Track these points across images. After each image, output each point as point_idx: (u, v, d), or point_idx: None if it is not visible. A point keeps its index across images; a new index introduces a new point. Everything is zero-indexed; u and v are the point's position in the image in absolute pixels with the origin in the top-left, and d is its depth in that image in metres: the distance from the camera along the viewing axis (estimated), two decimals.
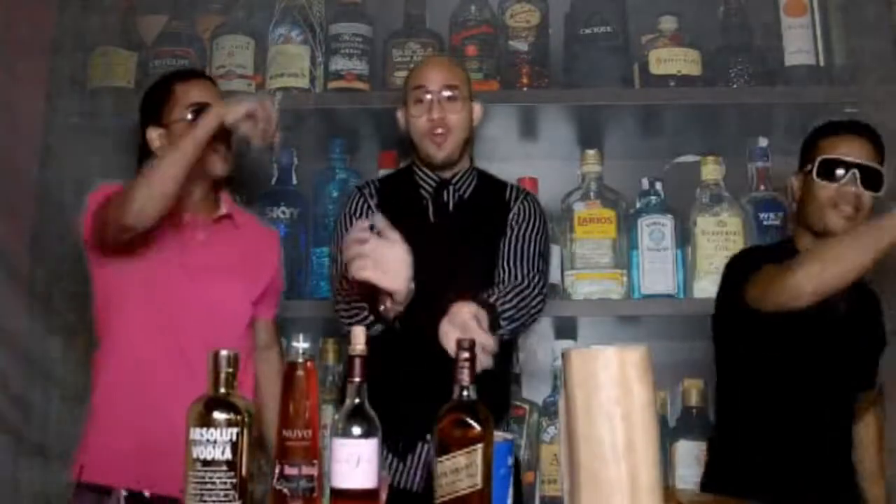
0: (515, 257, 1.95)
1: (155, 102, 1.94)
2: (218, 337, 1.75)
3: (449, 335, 1.62)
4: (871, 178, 1.85)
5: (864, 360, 1.94)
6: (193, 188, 1.91)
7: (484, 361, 1.58)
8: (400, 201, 1.99)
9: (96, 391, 1.88)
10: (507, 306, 1.81)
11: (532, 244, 1.97)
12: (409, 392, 1.74)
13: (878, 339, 1.97)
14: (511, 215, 2.00)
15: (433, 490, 1.29)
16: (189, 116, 1.88)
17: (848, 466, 1.94)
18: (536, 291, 1.90)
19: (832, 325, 1.82)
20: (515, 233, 1.97)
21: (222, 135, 1.84)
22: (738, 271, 1.90)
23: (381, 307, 1.72)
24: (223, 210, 1.98)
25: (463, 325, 1.63)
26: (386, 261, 1.66)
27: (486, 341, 1.61)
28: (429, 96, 1.94)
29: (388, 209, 1.97)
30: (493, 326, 1.71)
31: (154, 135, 1.92)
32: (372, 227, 1.69)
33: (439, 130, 1.94)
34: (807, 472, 1.83)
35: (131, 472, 1.75)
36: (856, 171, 1.84)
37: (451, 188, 2.00)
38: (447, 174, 2.00)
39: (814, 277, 1.65)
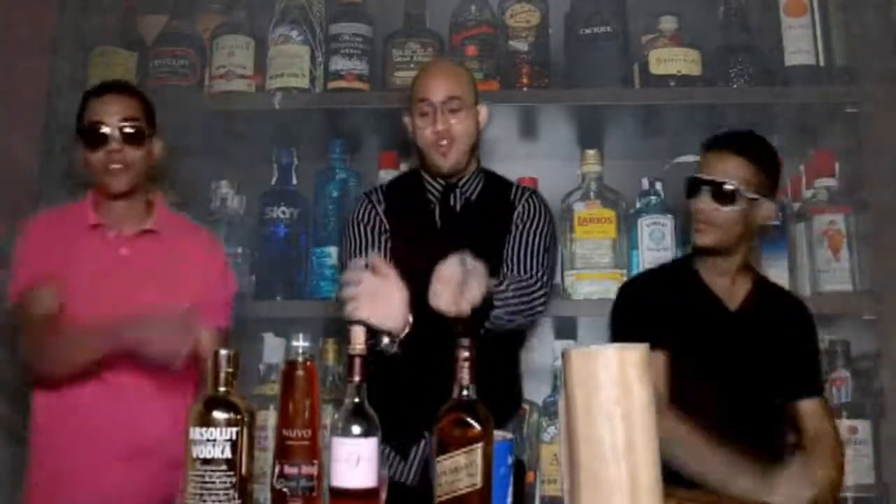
0: (520, 254, 1.96)
1: (77, 116, 1.94)
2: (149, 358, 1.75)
3: (439, 294, 1.65)
4: (721, 194, 1.88)
5: (778, 369, 1.93)
6: (109, 204, 1.91)
7: (462, 306, 1.63)
8: (407, 206, 2.01)
9: (32, 431, 1.90)
10: (507, 294, 1.82)
11: (536, 240, 1.98)
12: (410, 389, 1.75)
13: (798, 351, 1.96)
14: (516, 213, 2.01)
15: (429, 485, 1.29)
16: (82, 139, 1.89)
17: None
18: (540, 285, 1.91)
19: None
20: (520, 230, 1.98)
21: (117, 144, 1.86)
22: (619, 323, 2.00)
23: (380, 345, 1.72)
24: (147, 225, 1.93)
25: (450, 276, 1.65)
26: (381, 299, 1.68)
27: (462, 305, 1.64)
28: (432, 108, 1.94)
29: (395, 214, 2.00)
30: (488, 302, 1.74)
31: (76, 147, 1.94)
32: (366, 265, 1.70)
33: (444, 142, 1.95)
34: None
35: None
36: (706, 186, 1.89)
37: (457, 191, 2.01)
38: (454, 179, 2.01)
39: None
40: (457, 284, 1.65)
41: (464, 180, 2.02)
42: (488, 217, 2.00)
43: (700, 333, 1.90)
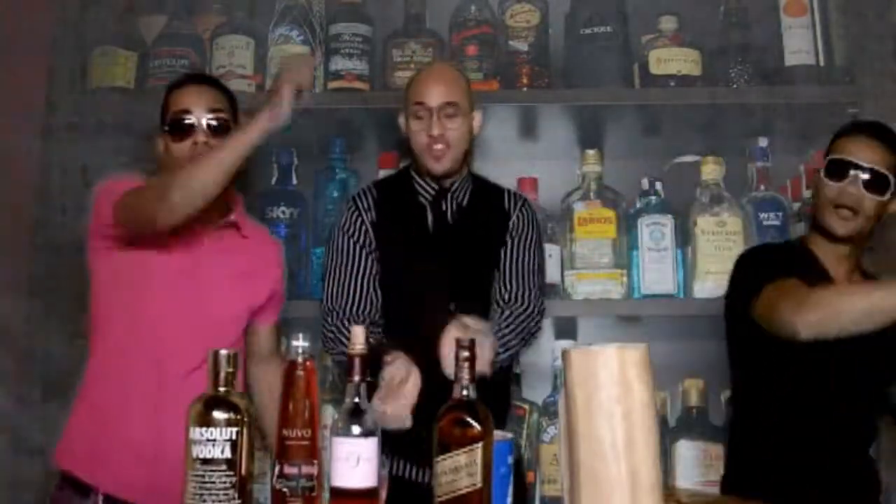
0: (515, 273, 1.99)
1: (161, 108, 1.92)
2: (206, 344, 1.75)
3: (449, 358, 1.62)
4: (876, 182, 1.82)
5: (882, 373, 1.90)
6: None
7: (484, 370, 1.65)
8: (398, 212, 2.02)
9: (83, 380, 1.86)
10: (509, 337, 1.87)
11: (532, 258, 2.02)
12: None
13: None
14: (511, 224, 2.03)
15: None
16: (166, 128, 1.87)
17: (867, 475, 1.92)
18: (536, 312, 1.96)
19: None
20: (516, 245, 2.01)
21: (203, 136, 1.84)
22: (749, 276, 1.88)
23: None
24: (231, 217, 1.94)
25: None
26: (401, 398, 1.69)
27: (483, 368, 1.65)
28: (428, 113, 1.95)
29: (385, 221, 2.01)
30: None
31: (159, 142, 1.92)
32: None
33: (438, 146, 1.95)
34: (824, 479, 1.82)
35: (110, 476, 1.76)
36: (859, 172, 1.82)
37: (449, 196, 2.02)
38: (446, 182, 2.02)
39: (811, 327, 1.64)
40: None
41: (455, 185, 2.03)
42: (481, 224, 2.02)
43: None
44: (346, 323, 1.91)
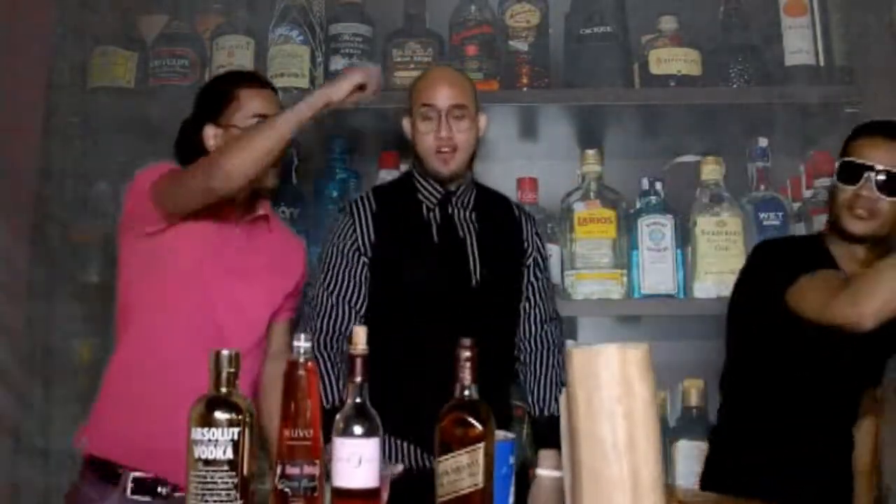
0: (542, 293, 2.05)
1: (216, 101, 1.92)
2: (239, 337, 1.80)
3: None
4: (891, 184, 1.80)
5: (875, 359, 1.93)
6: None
7: None
8: (400, 216, 1.99)
9: (111, 365, 1.86)
10: (557, 391, 1.95)
11: (549, 282, 2.09)
12: (423, 384, 1.76)
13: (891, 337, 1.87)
14: (532, 247, 2.05)
15: None
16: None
17: (848, 467, 1.94)
18: (560, 332, 2.06)
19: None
20: (539, 268, 2.05)
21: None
22: (780, 266, 1.85)
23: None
24: (260, 210, 1.95)
25: None
26: None
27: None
28: (437, 114, 1.94)
29: (386, 226, 1.98)
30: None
31: (210, 132, 1.91)
32: None
33: (446, 149, 1.94)
34: (809, 471, 1.82)
35: (138, 455, 1.76)
36: (872, 174, 1.79)
37: (455, 200, 2.00)
38: (451, 186, 2.00)
39: (876, 314, 1.63)
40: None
41: (461, 189, 2.01)
42: (492, 232, 2.01)
43: None
44: (318, 352, 1.89)
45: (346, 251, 1.97)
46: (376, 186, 2.16)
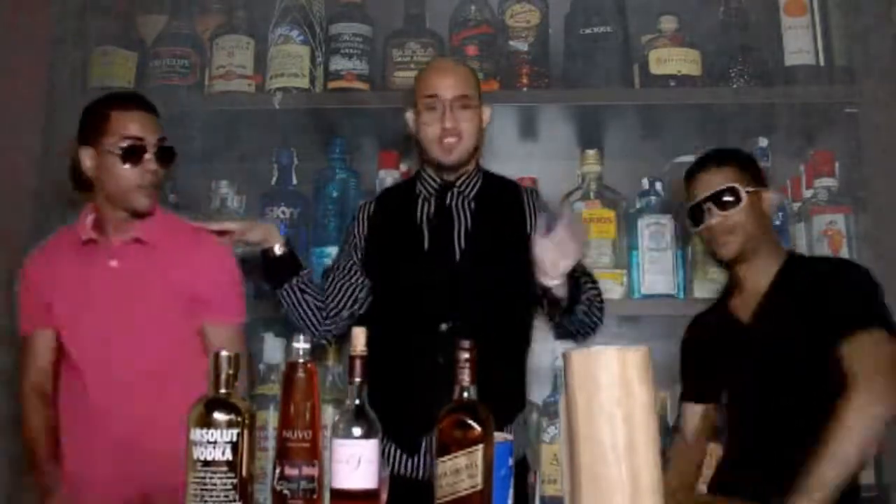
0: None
1: (91, 123, 1.90)
2: (132, 359, 1.83)
3: (547, 251, 1.72)
4: (722, 199, 1.86)
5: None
6: (112, 215, 1.90)
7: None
8: (397, 207, 2.03)
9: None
10: (591, 292, 1.95)
11: None
12: (415, 386, 1.79)
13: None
14: (534, 217, 2.01)
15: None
16: (119, 152, 1.85)
17: None
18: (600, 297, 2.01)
19: None
20: None
21: (153, 164, 1.86)
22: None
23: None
24: (134, 233, 1.91)
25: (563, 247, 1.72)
26: None
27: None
28: (441, 105, 1.94)
29: (384, 214, 2.03)
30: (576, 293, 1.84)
31: (85, 155, 1.90)
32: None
33: (451, 139, 1.95)
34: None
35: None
36: (708, 204, 1.87)
37: (454, 190, 2.01)
38: (451, 177, 2.01)
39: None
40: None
41: (461, 179, 2.02)
42: (493, 216, 2.00)
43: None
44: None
45: (346, 249, 2.05)
46: (387, 187, 2.19)
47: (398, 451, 1.90)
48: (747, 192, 1.87)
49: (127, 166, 1.86)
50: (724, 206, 1.87)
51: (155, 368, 1.84)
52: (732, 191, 1.87)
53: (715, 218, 1.87)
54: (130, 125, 1.87)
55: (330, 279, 2.02)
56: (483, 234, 1.97)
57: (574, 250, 1.74)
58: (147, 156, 1.86)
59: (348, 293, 1.99)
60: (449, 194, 2.00)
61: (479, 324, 1.77)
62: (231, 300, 1.96)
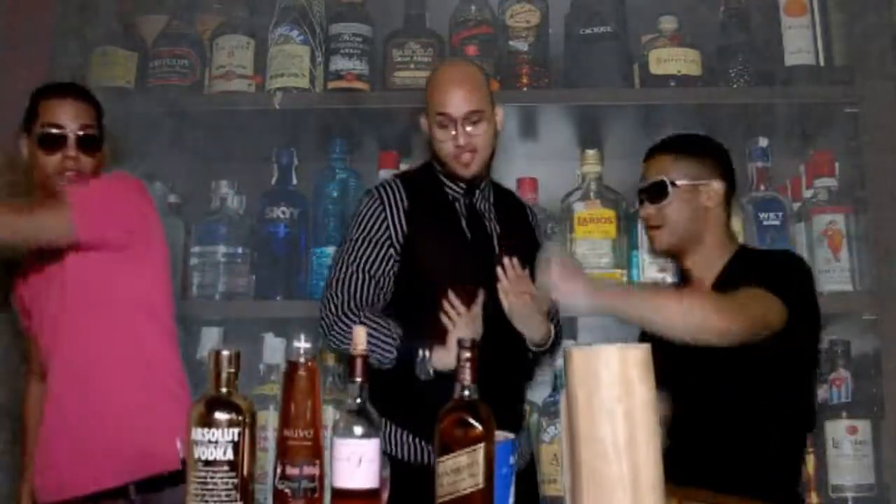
0: None
1: (26, 112, 1.96)
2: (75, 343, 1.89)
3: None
4: (653, 192, 1.87)
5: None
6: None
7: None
8: (429, 206, 1.98)
9: None
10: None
11: None
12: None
13: None
14: (540, 238, 2.12)
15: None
16: (37, 139, 1.90)
17: None
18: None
19: None
20: None
21: (73, 151, 1.89)
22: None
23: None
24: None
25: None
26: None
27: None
28: (453, 122, 1.91)
29: (417, 214, 1.95)
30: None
31: (22, 143, 1.96)
32: None
33: (467, 155, 1.93)
34: None
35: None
36: (642, 196, 1.88)
37: (478, 193, 2.01)
38: (475, 180, 2.00)
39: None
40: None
41: (483, 185, 2.02)
42: (510, 223, 2.04)
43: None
44: (344, 316, 1.88)
45: (376, 240, 1.93)
46: (402, 176, 2.08)
47: (416, 439, 1.87)
48: (680, 184, 1.85)
49: (46, 153, 1.90)
50: (653, 199, 1.87)
51: (98, 353, 1.87)
52: (661, 184, 1.86)
53: (646, 210, 1.88)
54: (50, 113, 1.92)
55: (362, 272, 1.92)
56: (509, 237, 1.99)
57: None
58: (68, 143, 1.89)
59: (386, 285, 1.94)
60: (473, 198, 2.01)
61: (510, 331, 1.88)
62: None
